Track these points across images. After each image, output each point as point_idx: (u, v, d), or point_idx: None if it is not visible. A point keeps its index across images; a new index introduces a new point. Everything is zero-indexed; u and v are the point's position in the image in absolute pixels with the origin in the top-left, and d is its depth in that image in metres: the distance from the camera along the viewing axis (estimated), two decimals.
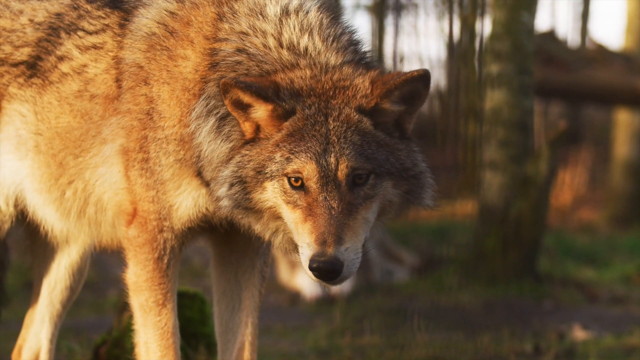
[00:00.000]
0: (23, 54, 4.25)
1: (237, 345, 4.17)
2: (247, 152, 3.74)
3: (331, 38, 3.82)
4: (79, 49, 4.17)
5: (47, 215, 4.27)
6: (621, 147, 14.20)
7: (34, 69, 4.24)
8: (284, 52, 3.80)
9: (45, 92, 4.21)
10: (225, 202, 3.77)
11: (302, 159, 3.64)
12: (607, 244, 11.92)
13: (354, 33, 3.93)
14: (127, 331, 5.18)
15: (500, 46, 8.66)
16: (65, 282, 4.67)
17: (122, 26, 4.12)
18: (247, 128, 3.76)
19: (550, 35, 12.53)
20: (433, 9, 16.57)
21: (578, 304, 8.35)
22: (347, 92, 3.71)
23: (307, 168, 3.63)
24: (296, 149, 3.65)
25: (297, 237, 3.66)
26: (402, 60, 15.40)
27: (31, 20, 4.28)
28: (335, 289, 8.82)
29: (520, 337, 6.80)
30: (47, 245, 4.63)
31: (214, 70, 3.85)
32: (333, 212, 3.60)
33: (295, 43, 3.81)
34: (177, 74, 3.93)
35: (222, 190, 3.76)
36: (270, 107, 3.70)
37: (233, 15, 3.91)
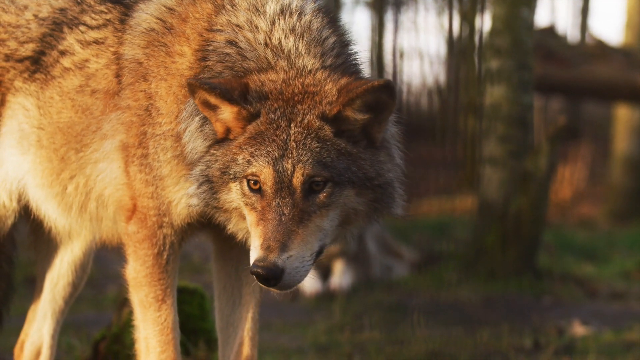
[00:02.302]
0: (27, 49, 4.26)
1: (238, 341, 4.18)
2: (214, 151, 3.75)
3: (315, 42, 3.80)
4: (81, 43, 4.18)
5: (50, 210, 4.28)
6: (621, 143, 14.21)
7: (37, 64, 4.25)
8: (268, 52, 3.79)
9: (48, 87, 4.21)
10: (194, 201, 3.80)
11: (260, 162, 3.64)
12: (606, 240, 11.92)
13: (343, 36, 3.91)
14: (126, 327, 5.18)
15: (500, 42, 8.66)
16: (67, 278, 4.68)
17: (122, 21, 4.13)
18: (218, 128, 3.78)
19: (550, 30, 12.52)
20: (433, 4, 16.58)
21: (577, 300, 8.36)
22: (314, 98, 3.69)
23: (264, 172, 3.63)
24: (256, 153, 3.65)
25: (251, 239, 3.69)
26: (401, 56, 15.41)
27: (35, 16, 4.29)
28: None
29: (520, 332, 6.81)
30: (51, 241, 4.64)
31: (205, 61, 3.86)
32: (283, 219, 3.59)
33: (280, 44, 3.80)
34: (174, 71, 3.94)
35: (192, 189, 3.79)
36: (235, 109, 3.70)
37: (232, 8, 3.92)
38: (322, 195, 3.63)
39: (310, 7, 3.90)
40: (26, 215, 4.44)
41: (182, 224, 3.98)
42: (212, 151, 3.76)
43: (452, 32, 14.97)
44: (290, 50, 3.79)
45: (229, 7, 3.92)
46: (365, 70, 4.05)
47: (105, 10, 4.19)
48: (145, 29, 4.03)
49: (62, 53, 4.20)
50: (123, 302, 5.30)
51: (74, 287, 4.71)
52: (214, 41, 3.86)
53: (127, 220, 4.03)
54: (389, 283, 9.02)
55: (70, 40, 4.20)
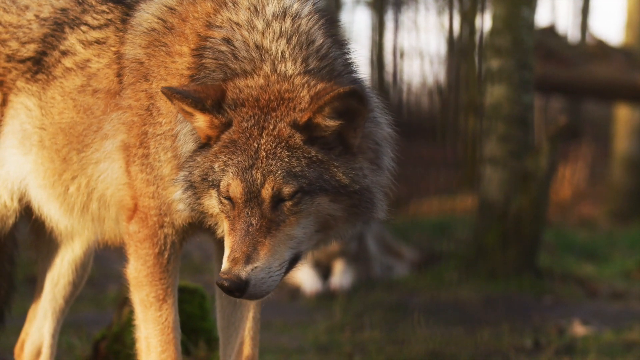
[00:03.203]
0: (29, 50, 4.26)
1: (239, 340, 4.18)
2: (196, 157, 3.75)
3: (301, 45, 3.77)
4: (82, 43, 4.18)
5: (52, 211, 4.27)
6: (621, 143, 14.21)
7: (39, 64, 4.25)
8: (256, 54, 3.76)
9: (49, 87, 4.21)
10: (180, 206, 3.80)
11: (232, 172, 3.62)
12: (607, 239, 11.92)
13: (337, 37, 3.88)
14: (126, 326, 5.18)
15: (501, 41, 8.66)
16: (68, 278, 4.68)
17: (124, 21, 4.13)
18: (199, 133, 3.77)
19: (551, 30, 12.52)
20: (433, 4, 16.58)
21: (578, 300, 8.36)
22: (289, 105, 3.66)
23: (234, 183, 3.62)
24: (229, 162, 3.64)
25: None
26: (402, 55, 15.41)
27: (37, 16, 4.29)
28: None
29: (520, 332, 6.81)
30: (51, 240, 4.64)
31: (201, 58, 3.85)
32: (250, 229, 3.58)
33: (269, 47, 3.77)
34: (174, 71, 3.94)
35: (178, 194, 3.79)
36: (207, 118, 3.70)
37: (234, 6, 3.91)
38: (291, 205, 3.60)
39: (307, 9, 3.87)
40: (27, 214, 4.44)
41: (183, 223, 3.98)
42: (194, 156, 3.75)
43: (452, 32, 14.98)
44: (276, 54, 3.75)
45: (230, 4, 3.91)
46: (362, 70, 4.01)
47: (107, 10, 4.19)
48: (147, 29, 4.03)
49: (64, 53, 4.20)
50: (123, 302, 5.30)
51: (74, 286, 4.71)
52: (212, 37, 3.85)
53: (129, 220, 4.03)
54: (390, 283, 9.02)
55: (71, 40, 4.20)
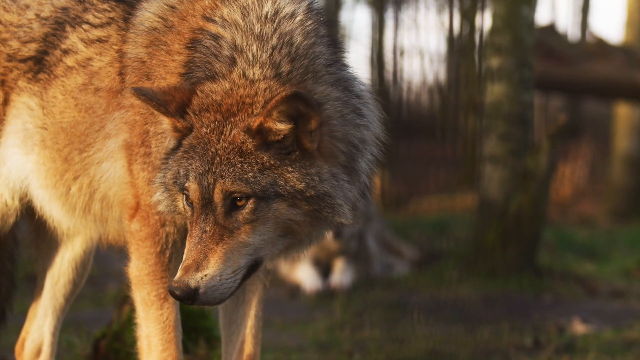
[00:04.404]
0: (30, 49, 4.26)
1: (241, 338, 4.18)
2: (168, 159, 3.77)
3: (272, 50, 3.74)
4: (84, 42, 4.18)
5: (54, 211, 4.27)
6: (621, 141, 14.20)
7: (40, 64, 4.24)
8: (232, 55, 3.75)
9: (51, 86, 4.21)
10: (160, 207, 3.82)
11: (191, 178, 3.64)
12: (607, 238, 11.92)
13: (321, 39, 3.83)
14: (127, 325, 5.19)
15: (501, 40, 8.65)
16: (68, 276, 4.68)
17: (126, 20, 4.13)
18: (171, 136, 3.80)
19: (551, 29, 12.53)
20: (433, 2, 16.57)
21: (578, 298, 8.36)
22: (247, 110, 3.65)
23: (191, 188, 3.63)
24: (189, 167, 3.65)
25: None
26: (402, 54, 15.40)
27: (37, 15, 4.28)
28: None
29: (520, 331, 6.81)
30: (52, 238, 4.64)
31: (194, 52, 3.86)
32: (204, 236, 3.59)
33: (244, 49, 3.75)
34: (173, 69, 3.94)
35: (156, 195, 3.81)
36: (170, 121, 3.72)
37: (234, 2, 3.90)
38: (245, 212, 3.59)
39: (300, 9, 3.84)
40: (28, 213, 4.44)
41: (185, 222, 3.98)
42: (167, 159, 3.78)
43: (452, 30, 14.98)
44: (248, 56, 3.74)
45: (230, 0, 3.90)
46: (356, 69, 3.98)
47: (109, 9, 4.19)
48: (148, 28, 4.03)
49: (65, 52, 4.20)
50: (123, 300, 5.30)
51: (74, 284, 4.71)
52: (205, 30, 3.85)
53: (130, 219, 4.03)
54: (390, 281, 9.02)
55: (73, 39, 4.20)
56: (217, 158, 3.61)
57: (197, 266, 3.58)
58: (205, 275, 3.58)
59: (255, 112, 3.64)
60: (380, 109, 3.99)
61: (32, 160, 4.24)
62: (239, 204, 3.60)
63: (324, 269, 9.12)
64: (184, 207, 3.71)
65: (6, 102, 4.28)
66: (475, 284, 8.30)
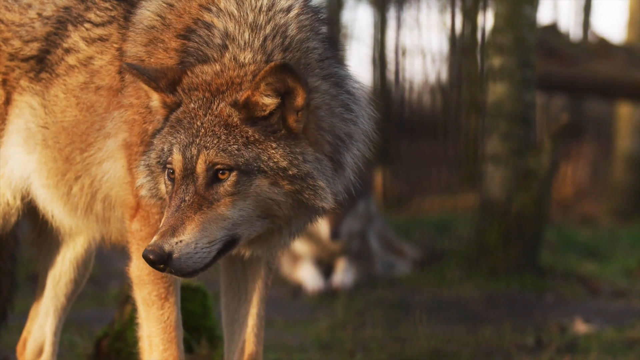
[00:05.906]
0: (32, 49, 4.26)
1: (243, 337, 4.18)
2: (153, 140, 3.79)
3: (264, 39, 3.76)
4: (86, 41, 4.18)
5: (56, 211, 4.28)
6: (623, 141, 14.19)
7: (42, 63, 4.25)
8: (224, 42, 3.78)
9: (52, 85, 4.21)
10: (143, 192, 3.83)
11: (174, 150, 3.66)
12: (609, 238, 11.91)
13: (316, 35, 3.85)
14: (128, 324, 5.18)
15: (503, 39, 8.65)
16: (69, 275, 4.68)
17: (127, 18, 4.14)
18: (158, 116, 3.83)
19: (553, 28, 12.51)
20: (435, 2, 16.55)
21: (580, 298, 8.35)
22: (236, 88, 3.69)
23: (174, 159, 3.65)
24: (173, 141, 3.68)
25: None
26: (404, 53, 15.40)
27: (39, 15, 4.28)
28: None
29: (522, 330, 6.81)
30: (53, 238, 4.64)
31: (187, 41, 3.87)
32: (182, 205, 3.59)
33: (236, 36, 3.78)
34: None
35: (140, 179, 3.83)
36: (159, 96, 3.75)
37: None
38: (226, 184, 3.60)
39: (297, 4, 3.87)
40: (29, 212, 4.44)
41: None
42: (152, 140, 3.80)
43: (454, 30, 14.96)
44: (242, 43, 3.76)
45: None
46: (352, 67, 3.98)
47: (110, 7, 4.20)
48: (146, 26, 4.04)
49: (67, 51, 4.20)
50: (125, 300, 5.30)
51: (76, 284, 4.71)
52: (199, 20, 3.86)
53: (131, 219, 4.04)
54: (392, 280, 9.02)
55: (75, 37, 4.20)
56: (202, 130, 3.64)
57: (173, 232, 3.57)
58: (181, 241, 3.57)
59: (244, 87, 3.67)
60: (374, 108, 4.00)
61: (34, 159, 4.24)
62: (222, 176, 3.61)
63: (325, 268, 9.12)
64: (165, 184, 3.70)
65: (8, 101, 4.28)
66: (477, 283, 8.30)
